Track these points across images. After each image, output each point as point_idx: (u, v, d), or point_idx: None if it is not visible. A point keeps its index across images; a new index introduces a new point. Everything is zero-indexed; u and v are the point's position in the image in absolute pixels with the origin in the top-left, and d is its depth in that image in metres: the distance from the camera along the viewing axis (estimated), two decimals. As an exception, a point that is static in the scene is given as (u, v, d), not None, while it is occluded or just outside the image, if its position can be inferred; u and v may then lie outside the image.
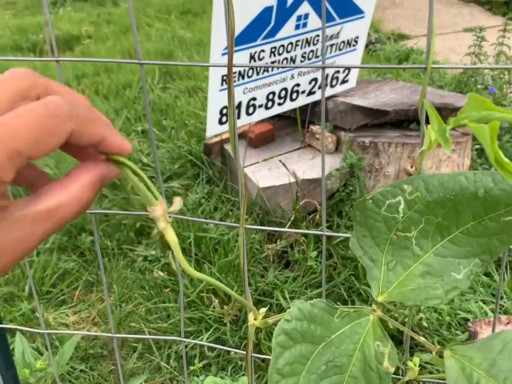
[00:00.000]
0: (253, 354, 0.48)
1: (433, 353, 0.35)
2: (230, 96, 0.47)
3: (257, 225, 2.19)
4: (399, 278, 0.38)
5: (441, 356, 0.35)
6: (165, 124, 2.92)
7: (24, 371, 1.17)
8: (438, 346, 0.35)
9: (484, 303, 1.82)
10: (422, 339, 0.36)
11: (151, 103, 3.17)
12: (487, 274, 1.94)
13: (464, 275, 0.37)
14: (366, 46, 4.08)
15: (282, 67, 1.76)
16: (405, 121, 2.28)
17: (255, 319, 0.45)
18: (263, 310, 0.45)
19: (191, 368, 1.65)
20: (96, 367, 1.71)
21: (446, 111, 2.19)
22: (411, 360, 0.42)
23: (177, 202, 0.39)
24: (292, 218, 2.13)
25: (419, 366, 0.45)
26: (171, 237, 0.34)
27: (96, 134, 0.32)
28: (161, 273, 1.99)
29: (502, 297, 1.84)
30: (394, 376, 0.47)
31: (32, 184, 0.36)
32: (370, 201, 0.38)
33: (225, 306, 1.82)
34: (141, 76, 0.57)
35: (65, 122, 0.30)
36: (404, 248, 0.38)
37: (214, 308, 1.82)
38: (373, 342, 0.36)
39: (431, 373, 1.30)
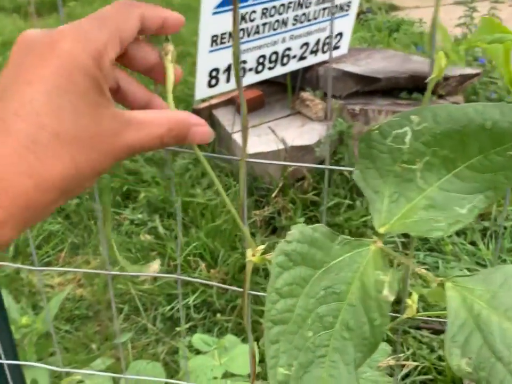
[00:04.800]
0: (249, 292, 0.47)
1: (435, 285, 0.35)
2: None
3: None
4: (402, 211, 0.37)
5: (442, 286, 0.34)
6: (152, 89, 2.88)
7: (9, 327, 1.16)
8: (440, 278, 0.35)
9: (469, 270, 1.84)
10: (423, 271, 0.35)
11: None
12: (473, 243, 1.96)
13: (467, 210, 0.36)
14: (357, 15, 4.04)
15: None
16: (396, 89, 2.26)
17: (253, 255, 0.44)
18: (261, 247, 0.44)
19: (177, 329, 1.65)
20: (81, 328, 1.71)
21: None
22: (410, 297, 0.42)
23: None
24: (281, 185, 2.12)
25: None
26: (170, 74, 0.37)
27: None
28: (148, 237, 1.98)
29: (486, 265, 1.86)
30: (393, 314, 0.47)
31: (118, 86, 0.36)
32: (377, 131, 0.37)
33: (211, 270, 1.82)
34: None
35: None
36: (408, 181, 0.37)
37: (200, 271, 1.82)
38: (373, 271, 0.36)
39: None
